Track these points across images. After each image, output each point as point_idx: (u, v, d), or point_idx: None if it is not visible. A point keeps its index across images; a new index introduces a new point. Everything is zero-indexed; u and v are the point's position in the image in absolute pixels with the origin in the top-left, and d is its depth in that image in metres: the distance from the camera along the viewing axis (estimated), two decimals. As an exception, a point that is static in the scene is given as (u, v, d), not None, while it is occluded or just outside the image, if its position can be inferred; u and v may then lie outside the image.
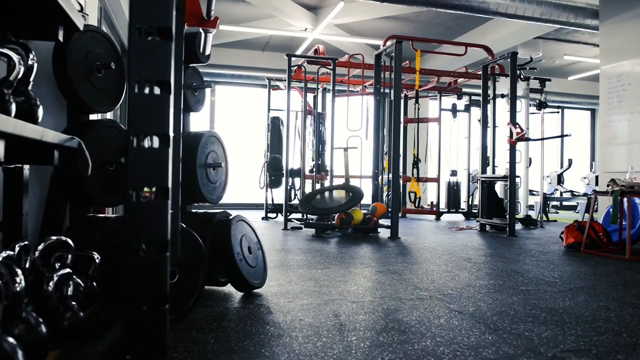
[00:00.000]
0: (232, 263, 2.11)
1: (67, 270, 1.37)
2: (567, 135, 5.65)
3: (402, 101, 7.81)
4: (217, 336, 1.65)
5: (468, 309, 2.06)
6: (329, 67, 5.90)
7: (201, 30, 1.95)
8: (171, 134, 0.78)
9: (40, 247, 1.35)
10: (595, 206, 4.30)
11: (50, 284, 1.25)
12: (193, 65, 2.38)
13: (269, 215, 6.77)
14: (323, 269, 2.94)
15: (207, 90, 10.06)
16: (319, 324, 1.81)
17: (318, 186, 6.09)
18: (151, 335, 0.76)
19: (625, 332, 1.76)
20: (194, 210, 2.40)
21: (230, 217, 2.30)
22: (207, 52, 2.16)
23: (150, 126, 0.75)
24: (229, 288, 2.35)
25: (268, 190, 6.75)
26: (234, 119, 9.25)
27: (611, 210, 3.80)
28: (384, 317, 1.90)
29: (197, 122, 8.66)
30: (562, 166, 9.63)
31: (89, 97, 1.98)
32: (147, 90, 0.75)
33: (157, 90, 0.76)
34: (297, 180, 6.59)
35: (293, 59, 5.86)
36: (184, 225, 2.01)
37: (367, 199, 5.56)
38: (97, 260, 1.58)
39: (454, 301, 2.19)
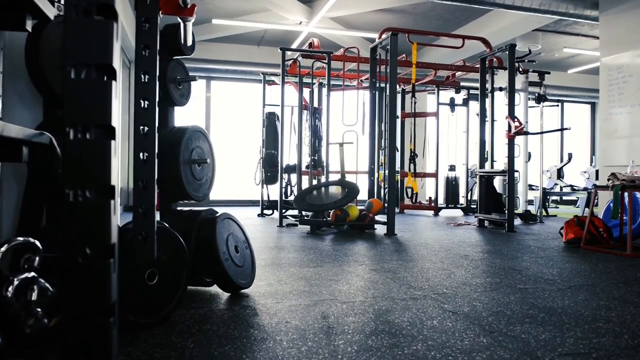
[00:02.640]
0: (217, 263, 2.03)
1: (32, 273, 1.28)
2: (566, 129, 5.54)
3: (400, 95, 7.72)
4: (198, 340, 1.57)
5: (463, 309, 1.97)
6: (323, 60, 5.79)
7: (179, 19, 1.86)
8: (116, 124, 0.69)
9: (2, 249, 1.26)
10: (596, 201, 4.21)
11: (10, 288, 1.16)
12: (177, 57, 2.29)
13: (265, 212, 6.69)
14: (315, 267, 2.85)
15: (203, 86, 9.86)
16: (305, 326, 1.72)
17: (315, 182, 6.00)
18: (94, 353, 0.67)
19: (627, 333, 1.68)
20: (178, 209, 2.32)
21: (216, 215, 2.21)
22: (189, 42, 2.06)
23: (90, 116, 0.66)
24: (215, 289, 2.27)
25: (264, 187, 6.66)
26: (230, 114, 9.15)
27: (612, 205, 3.72)
28: (375, 319, 1.82)
29: (193, 118, 8.57)
30: (561, 160, 9.54)
31: (64, 90, 1.89)
32: (85, 76, 0.66)
33: (97, 76, 0.67)
34: (294, 177, 6.50)
35: (288, 53, 5.76)
36: (166, 225, 1.93)
37: (363, 195, 5.48)
38: (68, 262, 1.50)
39: (448, 301, 2.11)
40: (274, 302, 2.07)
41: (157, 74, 1.50)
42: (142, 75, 1.49)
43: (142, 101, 1.49)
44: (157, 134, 1.54)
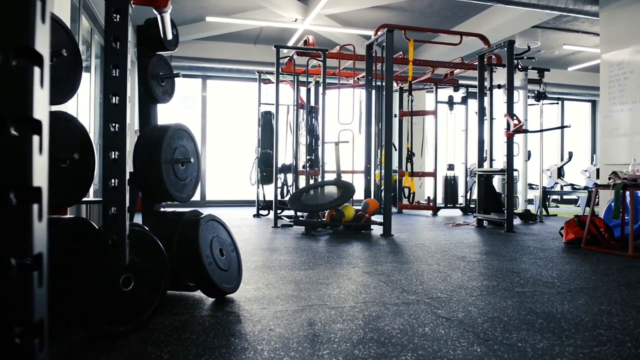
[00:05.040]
0: (200, 266, 1.94)
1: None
2: (566, 127, 5.44)
3: (397, 94, 7.62)
4: (174, 350, 1.48)
5: (457, 315, 1.88)
6: (319, 58, 5.70)
7: (154, 10, 1.77)
8: (42, 117, 0.60)
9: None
10: (597, 200, 4.11)
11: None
12: (159, 53, 2.20)
13: (261, 212, 6.59)
14: (306, 270, 2.76)
15: (198, 85, 9.77)
16: (290, 334, 1.63)
17: (311, 182, 5.91)
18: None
19: (630, 341, 1.59)
20: (162, 210, 2.23)
21: (200, 217, 2.12)
22: (169, 36, 1.97)
23: (6, 108, 0.57)
24: (199, 294, 2.18)
25: (259, 187, 6.57)
26: (226, 113, 9.06)
27: (613, 204, 3.62)
28: (364, 326, 1.73)
29: (189, 117, 8.48)
30: (562, 159, 9.45)
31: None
32: (1, 61, 0.57)
33: (16, 61, 0.58)
34: (290, 176, 6.42)
35: (283, 51, 5.67)
36: (145, 227, 1.84)
37: (359, 195, 5.38)
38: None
39: (442, 306, 2.01)
40: (259, 307, 1.98)
41: (128, 67, 1.41)
42: (112, 69, 1.40)
43: (112, 97, 1.40)
44: (139, 132, 1.45)
